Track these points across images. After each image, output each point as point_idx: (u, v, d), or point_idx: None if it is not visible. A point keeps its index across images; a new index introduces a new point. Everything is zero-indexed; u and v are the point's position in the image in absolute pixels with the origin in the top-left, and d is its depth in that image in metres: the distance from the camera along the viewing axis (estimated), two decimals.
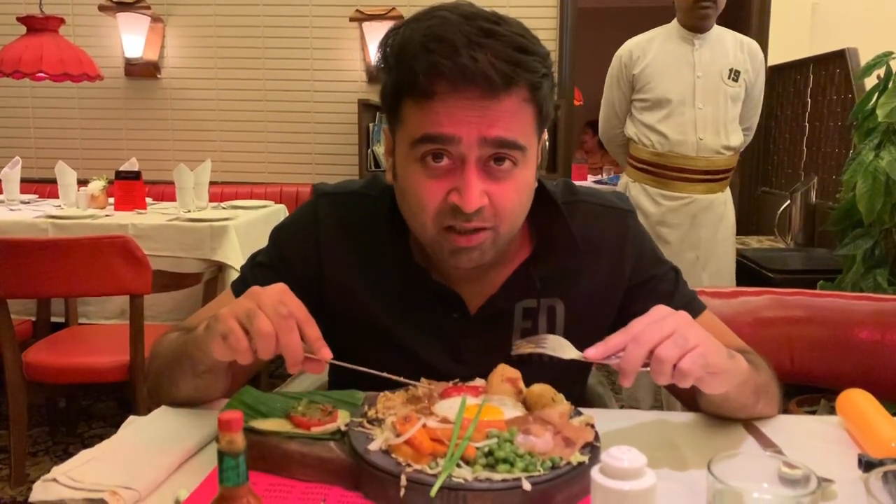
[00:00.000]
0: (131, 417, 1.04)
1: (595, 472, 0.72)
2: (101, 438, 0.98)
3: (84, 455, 0.91)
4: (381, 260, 1.14)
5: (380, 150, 4.33)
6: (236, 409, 0.64)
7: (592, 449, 0.88)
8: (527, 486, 0.79)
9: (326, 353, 0.91)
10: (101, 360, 2.71)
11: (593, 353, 0.89)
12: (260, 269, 1.19)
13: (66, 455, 3.07)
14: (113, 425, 1.07)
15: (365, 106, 4.35)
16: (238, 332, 0.87)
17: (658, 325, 0.87)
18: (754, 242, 4.01)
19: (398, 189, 1.06)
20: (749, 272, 3.35)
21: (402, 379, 0.98)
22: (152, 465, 0.88)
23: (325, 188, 1.21)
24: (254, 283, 1.14)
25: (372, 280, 1.15)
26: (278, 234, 1.22)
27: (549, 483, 0.81)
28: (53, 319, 3.23)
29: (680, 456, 0.95)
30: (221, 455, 0.64)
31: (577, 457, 0.85)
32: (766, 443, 0.99)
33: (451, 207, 0.99)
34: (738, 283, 3.14)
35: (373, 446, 0.86)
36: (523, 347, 0.98)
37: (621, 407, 1.27)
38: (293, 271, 1.16)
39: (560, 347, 0.95)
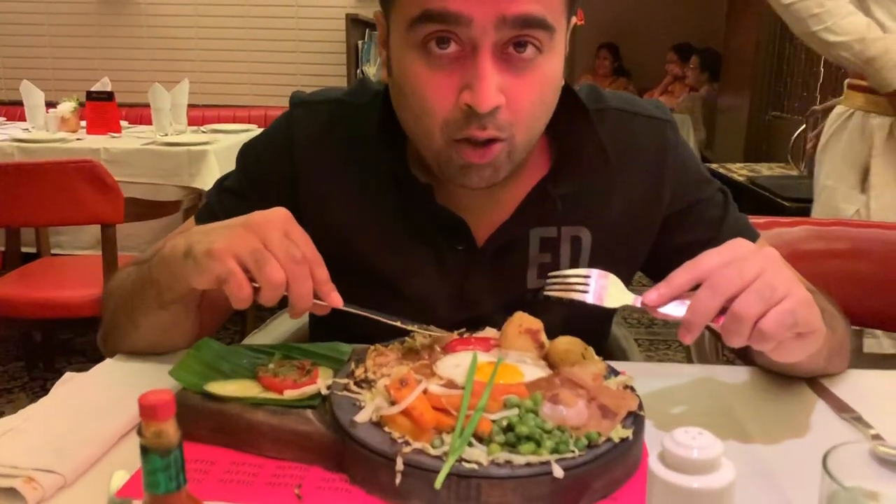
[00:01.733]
0: (68, 374, 0.86)
1: (654, 463, 0.54)
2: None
3: (1, 424, 0.73)
4: (370, 180, 0.95)
5: (370, 69, 4.07)
6: (165, 389, 0.46)
7: (636, 420, 0.70)
8: (558, 471, 0.62)
9: (336, 299, 0.77)
10: (74, 294, 2.53)
11: (653, 297, 0.69)
12: (227, 196, 1.00)
13: (43, 392, 2.93)
14: (93, 360, 0.94)
15: (354, 22, 4.07)
16: (240, 277, 0.73)
17: (738, 266, 0.68)
18: (765, 170, 3.81)
19: (395, 89, 0.86)
20: (762, 200, 3.17)
21: (421, 330, 0.80)
22: (85, 439, 0.71)
23: (301, 97, 1.02)
24: (220, 211, 0.97)
25: (358, 205, 0.96)
26: (246, 152, 1.03)
27: (585, 467, 0.63)
28: (24, 250, 3.05)
29: (738, 425, 0.78)
30: (146, 452, 0.46)
31: (618, 431, 0.67)
32: (839, 406, 0.82)
33: (463, 113, 0.79)
34: (749, 212, 2.96)
35: (360, 417, 0.68)
36: (556, 290, 0.77)
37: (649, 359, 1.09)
38: (264, 196, 0.96)
39: (605, 290, 0.75)
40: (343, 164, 0.96)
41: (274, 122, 1.02)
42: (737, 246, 0.71)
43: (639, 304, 0.71)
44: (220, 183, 1.03)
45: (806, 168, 3.61)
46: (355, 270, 0.96)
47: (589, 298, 0.74)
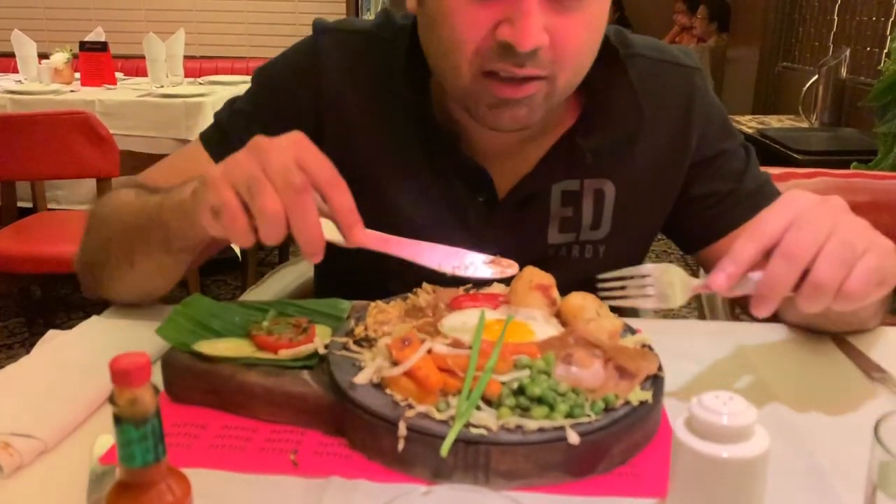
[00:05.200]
0: (51, 332, 0.81)
1: (680, 430, 0.50)
2: None
3: None
4: (395, 119, 0.90)
5: (369, 18, 3.96)
6: (139, 352, 0.41)
7: (655, 382, 0.65)
8: (573, 437, 0.57)
9: (358, 235, 0.65)
10: (71, 249, 2.40)
11: (722, 279, 0.61)
12: (241, 119, 0.93)
13: None
14: (83, 287, 0.90)
15: None
16: (234, 207, 0.62)
17: (809, 227, 0.60)
18: (774, 122, 3.72)
19: (424, 18, 0.80)
20: (771, 152, 3.09)
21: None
22: (67, 401, 0.66)
23: (326, 24, 0.94)
24: (232, 132, 0.90)
25: (382, 143, 0.91)
26: (266, 74, 0.95)
27: (602, 432, 0.59)
28: (21, 205, 3.00)
29: (761, 385, 0.74)
30: (119, 422, 0.41)
31: (637, 394, 0.63)
32: (867, 365, 0.77)
33: (498, 45, 0.73)
34: (760, 165, 2.88)
35: (360, 378, 0.64)
36: (613, 295, 0.70)
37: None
38: (285, 121, 0.90)
39: (668, 286, 0.67)
40: (370, 99, 0.90)
41: (295, 47, 0.95)
42: (797, 201, 0.62)
43: (706, 290, 0.64)
44: (231, 104, 0.95)
45: (818, 120, 3.53)
46: (372, 211, 0.91)
47: (652, 304, 0.67)
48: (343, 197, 0.64)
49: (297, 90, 0.91)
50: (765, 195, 0.93)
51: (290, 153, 0.63)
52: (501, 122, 0.79)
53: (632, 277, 0.69)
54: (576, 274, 0.77)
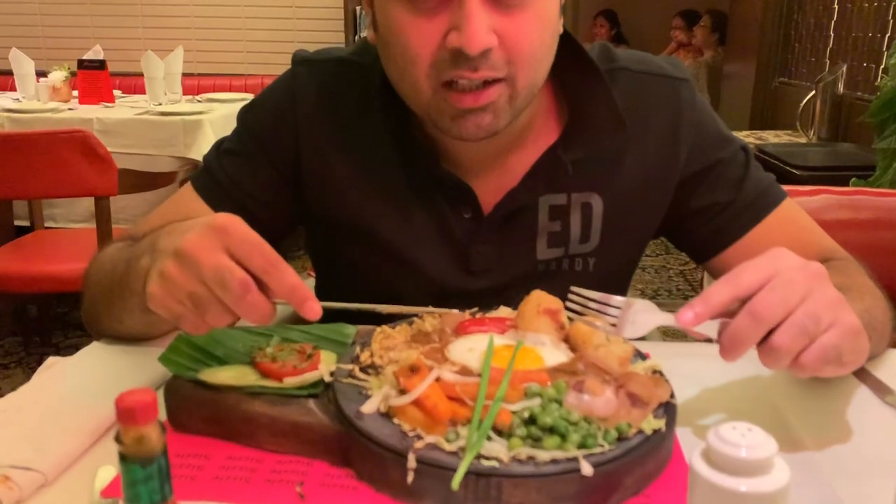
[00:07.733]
0: (51, 359, 0.80)
1: (698, 462, 0.48)
2: (77, 348, 0.83)
3: None
4: (374, 142, 0.90)
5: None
6: (146, 388, 0.40)
7: (667, 409, 0.64)
8: (587, 468, 0.56)
9: (311, 310, 0.62)
10: (68, 267, 2.47)
11: (689, 317, 0.61)
12: (228, 158, 0.95)
13: None
14: (91, 335, 0.89)
15: None
16: (191, 318, 0.64)
17: (781, 291, 0.60)
18: (772, 137, 3.73)
19: (381, 45, 0.82)
20: (769, 168, 3.08)
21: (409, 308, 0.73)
22: (68, 431, 0.65)
23: (304, 55, 0.96)
24: (222, 175, 0.93)
25: (362, 169, 0.91)
26: (248, 112, 0.97)
27: (616, 462, 0.58)
28: (17, 223, 2.99)
29: (779, 417, 0.72)
30: (125, 461, 0.40)
31: (650, 422, 0.61)
32: (880, 388, 0.76)
33: (450, 54, 0.75)
34: None
35: (367, 407, 0.63)
36: (580, 312, 0.71)
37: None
38: (269, 156, 0.93)
39: (636, 317, 0.67)
40: (347, 125, 0.91)
41: (276, 81, 0.97)
42: (779, 260, 0.62)
43: (673, 324, 0.64)
44: (219, 146, 0.97)
45: (815, 136, 3.53)
46: (358, 235, 0.93)
47: (612, 330, 0.68)
48: (283, 280, 0.62)
49: (276, 130, 0.93)
50: (767, 200, 0.93)
51: (219, 248, 0.61)
52: (467, 131, 0.80)
53: (600, 302, 0.70)
54: (566, 287, 0.77)
